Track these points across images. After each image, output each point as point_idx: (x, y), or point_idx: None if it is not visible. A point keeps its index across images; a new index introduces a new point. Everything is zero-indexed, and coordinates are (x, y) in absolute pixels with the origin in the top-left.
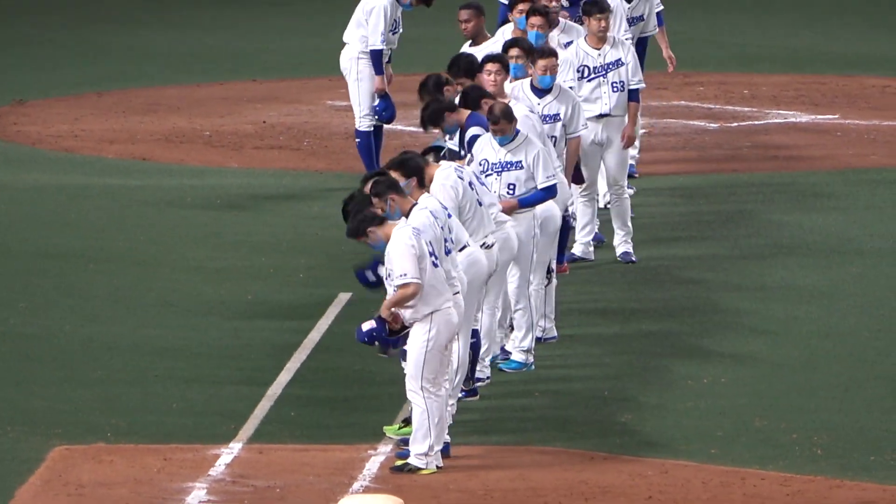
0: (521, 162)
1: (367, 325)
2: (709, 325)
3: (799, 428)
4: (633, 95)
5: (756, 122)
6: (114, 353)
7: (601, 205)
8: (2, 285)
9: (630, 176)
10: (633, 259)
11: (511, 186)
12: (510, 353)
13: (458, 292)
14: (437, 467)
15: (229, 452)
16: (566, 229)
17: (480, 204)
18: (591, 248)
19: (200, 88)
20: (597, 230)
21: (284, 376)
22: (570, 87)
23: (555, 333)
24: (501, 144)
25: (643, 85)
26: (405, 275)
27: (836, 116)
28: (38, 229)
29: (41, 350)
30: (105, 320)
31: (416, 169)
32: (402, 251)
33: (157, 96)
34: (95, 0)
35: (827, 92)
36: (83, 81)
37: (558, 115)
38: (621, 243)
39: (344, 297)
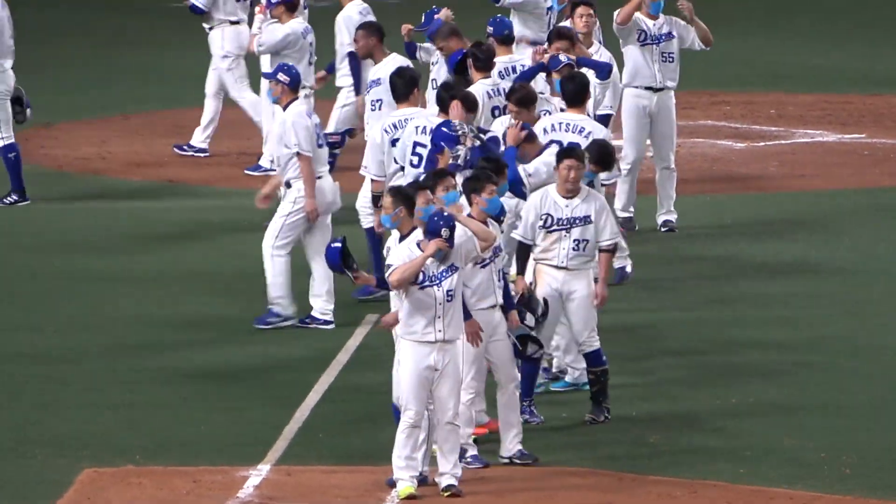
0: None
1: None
2: (735, 343)
3: (827, 447)
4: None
5: (783, 142)
6: (142, 375)
7: None
8: (29, 308)
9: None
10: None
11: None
12: (555, 374)
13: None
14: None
15: (258, 474)
16: None
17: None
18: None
19: (226, 111)
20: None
21: (312, 398)
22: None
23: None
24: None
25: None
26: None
27: (863, 135)
28: (66, 252)
29: (69, 372)
30: (132, 342)
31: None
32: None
33: (183, 118)
34: (121, 23)
35: (853, 111)
36: (110, 104)
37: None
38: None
39: (371, 318)
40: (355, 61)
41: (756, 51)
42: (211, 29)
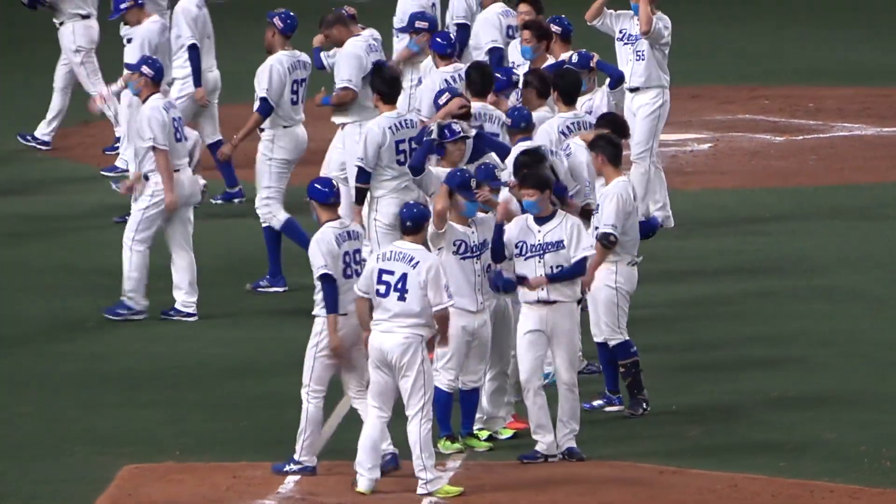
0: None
1: None
2: (775, 337)
3: (868, 440)
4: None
5: (821, 136)
6: (181, 371)
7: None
8: (69, 305)
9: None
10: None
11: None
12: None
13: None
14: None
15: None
16: None
17: None
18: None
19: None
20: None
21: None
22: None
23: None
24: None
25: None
26: None
27: None
28: (104, 249)
29: (109, 370)
30: (172, 339)
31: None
32: None
33: (223, 115)
34: None
35: (893, 104)
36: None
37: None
38: None
39: None
40: (195, 53)
41: (794, 45)
42: (61, 24)
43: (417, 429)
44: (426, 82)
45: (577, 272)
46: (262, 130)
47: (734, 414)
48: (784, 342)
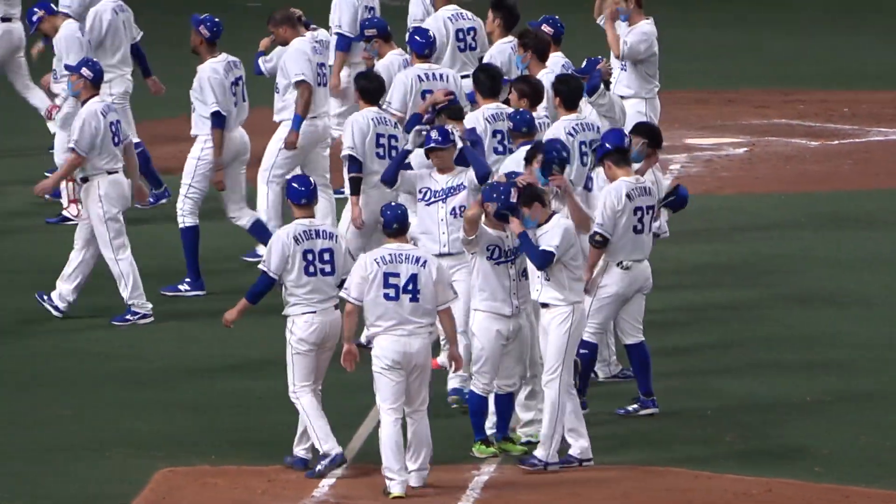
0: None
1: None
2: (812, 341)
3: None
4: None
5: (857, 140)
6: (215, 374)
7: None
8: (105, 308)
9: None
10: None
11: None
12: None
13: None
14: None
15: (333, 473)
16: None
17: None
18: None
19: None
20: None
21: None
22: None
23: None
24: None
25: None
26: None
27: None
28: (140, 249)
29: (143, 372)
30: (206, 341)
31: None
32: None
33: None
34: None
35: None
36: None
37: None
38: None
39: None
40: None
41: (830, 49)
42: None
43: (426, 425)
44: (399, 77)
45: (529, 253)
46: (195, 137)
47: (770, 418)
48: (821, 346)
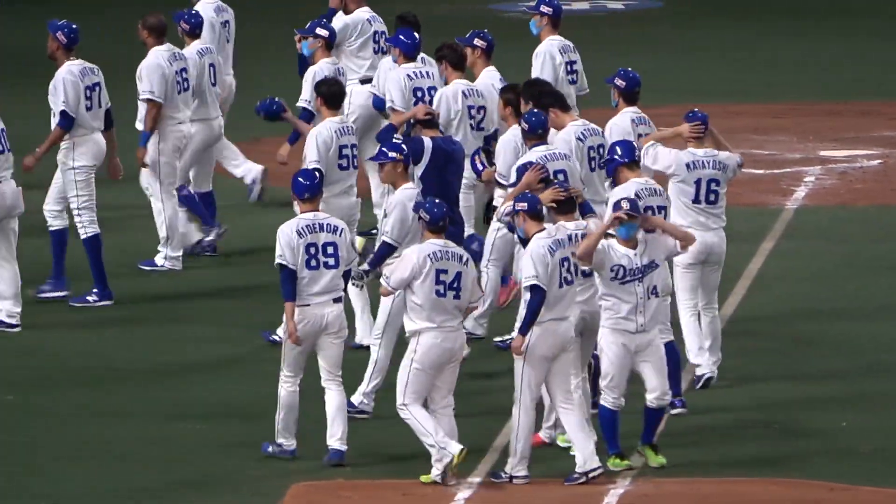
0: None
1: None
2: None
3: None
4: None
5: None
6: (353, 388)
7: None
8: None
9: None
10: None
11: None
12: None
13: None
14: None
15: (469, 487)
16: None
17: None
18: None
19: None
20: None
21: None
22: None
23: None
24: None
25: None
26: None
27: None
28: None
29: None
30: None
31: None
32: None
33: None
34: None
35: None
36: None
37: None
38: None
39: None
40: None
41: None
42: None
43: (452, 417)
44: (391, 75)
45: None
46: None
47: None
48: None
